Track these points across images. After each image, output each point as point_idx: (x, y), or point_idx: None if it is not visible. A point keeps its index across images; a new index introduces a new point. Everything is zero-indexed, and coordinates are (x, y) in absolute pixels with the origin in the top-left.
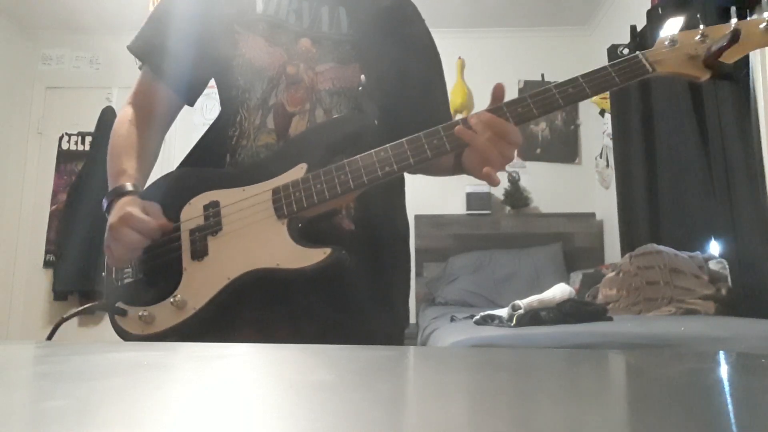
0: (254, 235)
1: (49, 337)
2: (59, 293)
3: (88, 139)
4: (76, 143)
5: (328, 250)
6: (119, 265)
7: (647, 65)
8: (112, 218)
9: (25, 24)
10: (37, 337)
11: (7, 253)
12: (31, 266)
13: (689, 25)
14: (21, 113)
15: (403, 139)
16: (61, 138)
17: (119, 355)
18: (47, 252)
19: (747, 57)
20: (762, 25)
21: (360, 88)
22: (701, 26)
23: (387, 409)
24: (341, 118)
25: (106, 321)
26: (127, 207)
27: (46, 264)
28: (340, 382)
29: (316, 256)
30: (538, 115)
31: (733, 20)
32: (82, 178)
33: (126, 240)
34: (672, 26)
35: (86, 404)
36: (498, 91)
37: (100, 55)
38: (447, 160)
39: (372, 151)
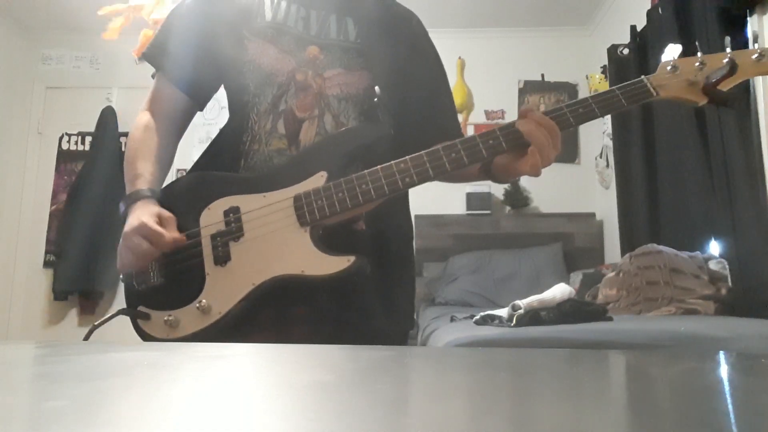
0: (277, 242)
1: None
2: (59, 293)
3: (88, 139)
4: (76, 143)
5: (351, 258)
6: (126, 271)
7: (652, 90)
8: (127, 226)
9: (25, 24)
10: (37, 337)
11: (7, 253)
12: (31, 266)
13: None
14: (21, 113)
15: (423, 152)
16: (61, 138)
17: (119, 355)
18: (47, 252)
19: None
20: (754, 56)
21: (375, 99)
22: (699, 54)
23: (387, 409)
24: (358, 128)
25: (109, 321)
26: (143, 216)
27: (46, 264)
28: (340, 382)
29: (341, 263)
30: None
31: (728, 49)
32: (82, 178)
33: (137, 250)
34: (671, 52)
35: (86, 404)
36: (525, 111)
37: (100, 55)
38: (473, 168)
39: (392, 162)
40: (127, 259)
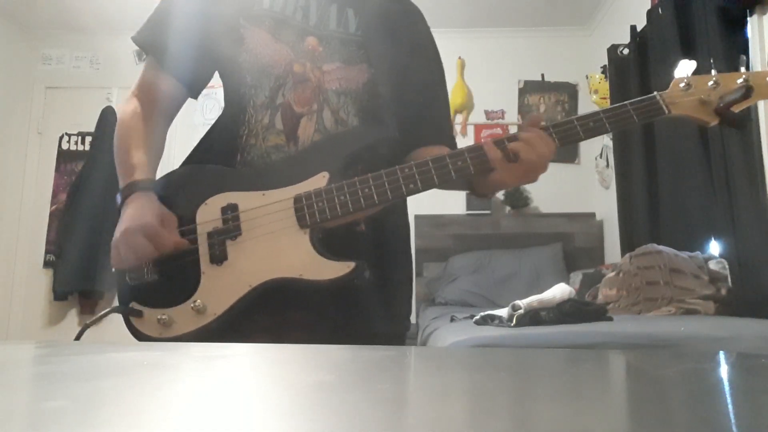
0: (275, 243)
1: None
2: (59, 293)
3: (88, 139)
4: (76, 143)
5: (352, 265)
6: (121, 268)
7: (664, 107)
8: (129, 221)
9: (25, 24)
10: (37, 337)
11: (7, 253)
12: (31, 266)
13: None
14: (21, 113)
15: (428, 158)
16: (61, 138)
17: (119, 355)
18: (47, 252)
19: (747, 55)
20: None
21: (380, 100)
22: (713, 71)
23: (387, 409)
24: (362, 129)
25: (107, 321)
26: (147, 216)
27: (46, 264)
28: (340, 382)
29: (340, 269)
30: (560, 145)
31: (742, 68)
32: (82, 178)
33: (138, 249)
34: (685, 68)
35: (86, 404)
36: (535, 120)
37: (100, 55)
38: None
39: (396, 167)
40: (126, 257)
